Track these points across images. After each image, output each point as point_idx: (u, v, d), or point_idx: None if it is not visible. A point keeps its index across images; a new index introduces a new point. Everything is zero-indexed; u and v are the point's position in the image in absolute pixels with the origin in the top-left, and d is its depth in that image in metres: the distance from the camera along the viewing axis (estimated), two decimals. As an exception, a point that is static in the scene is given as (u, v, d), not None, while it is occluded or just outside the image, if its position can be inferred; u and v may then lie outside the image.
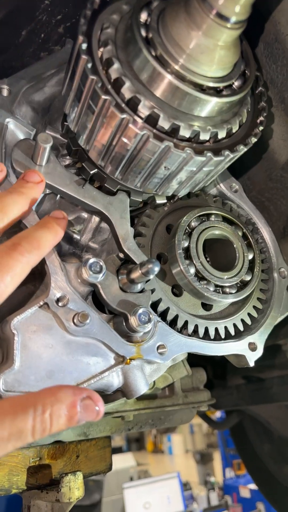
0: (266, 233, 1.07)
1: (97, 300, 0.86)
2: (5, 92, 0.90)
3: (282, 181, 1.14)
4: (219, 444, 8.89)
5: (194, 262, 0.88)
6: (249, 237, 0.99)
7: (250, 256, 0.97)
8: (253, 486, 6.61)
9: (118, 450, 9.91)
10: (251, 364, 0.94)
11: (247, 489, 6.83)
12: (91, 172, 0.85)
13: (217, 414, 5.60)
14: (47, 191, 0.88)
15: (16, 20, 1.10)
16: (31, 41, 1.17)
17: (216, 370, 2.20)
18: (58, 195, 0.91)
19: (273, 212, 1.21)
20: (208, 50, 0.66)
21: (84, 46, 0.69)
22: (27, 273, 0.66)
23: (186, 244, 0.90)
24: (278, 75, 0.99)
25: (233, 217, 0.98)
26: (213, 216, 0.96)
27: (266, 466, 2.51)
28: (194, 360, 1.54)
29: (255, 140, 0.81)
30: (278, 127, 1.06)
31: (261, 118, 0.84)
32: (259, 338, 0.95)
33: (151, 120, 0.70)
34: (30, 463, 1.11)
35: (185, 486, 7.26)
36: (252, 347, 0.94)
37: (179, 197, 0.94)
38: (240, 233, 0.97)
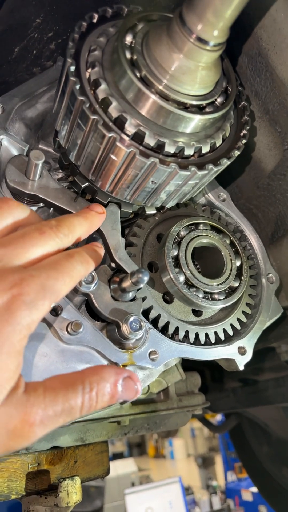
0: (254, 240, 1.11)
1: (91, 308, 0.89)
2: (-2, 110, 0.93)
3: (269, 189, 1.17)
4: (221, 447, 8.88)
5: (184, 270, 0.92)
6: (237, 244, 1.02)
7: (238, 263, 1.00)
8: (255, 489, 6.60)
9: (119, 456, 9.88)
10: (241, 367, 0.97)
11: (249, 492, 6.82)
12: (83, 185, 0.88)
13: (218, 418, 5.61)
14: (41, 204, 0.92)
15: (8, 38, 1.13)
16: (24, 58, 1.21)
17: (213, 373, 2.23)
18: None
19: (261, 219, 1.25)
20: (190, 71, 0.70)
21: (72, 68, 0.73)
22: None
23: (175, 253, 0.93)
24: (262, 87, 1.03)
25: (221, 226, 1.02)
26: (201, 225, 0.99)
27: (265, 468, 2.53)
28: (191, 364, 1.57)
29: (238, 153, 0.85)
30: (263, 137, 1.10)
31: (244, 132, 0.88)
32: (248, 342, 0.98)
33: (137, 138, 0.74)
34: (28, 469, 1.13)
35: (187, 490, 7.25)
36: (242, 351, 0.97)
37: (168, 207, 0.98)
38: (228, 241, 1.01)
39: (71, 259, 0.69)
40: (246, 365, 0.99)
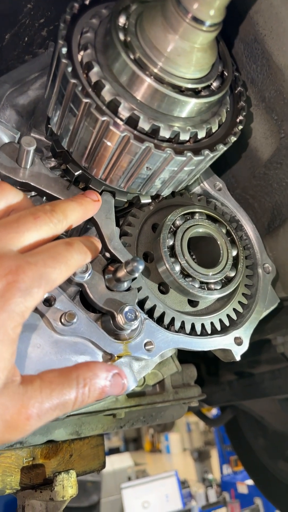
0: (250, 230, 1.09)
1: (85, 299, 0.87)
2: (-12, 97, 0.91)
3: (266, 178, 1.16)
4: (216, 441, 8.94)
5: (179, 260, 0.90)
6: (233, 234, 1.01)
7: (234, 253, 0.99)
8: (250, 482, 6.66)
9: (115, 451, 9.92)
10: (237, 358, 0.96)
11: (245, 485, 6.88)
12: (76, 173, 0.86)
13: (213, 412, 5.64)
14: (33, 193, 0.90)
15: (-1, 24, 1.11)
16: (15, 45, 1.18)
17: (209, 366, 2.23)
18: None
19: (257, 209, 1.24)
20: (185, 53, 0.68)
21: (64, 50, 0.71)
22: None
23: (171, 243, 0.92)
24: (258, 74, 1.01)
25: (217, 215, 1.00)
26: (197, 214, 0.97)
27: (261, 461, 2.54)
28: (186, 358, 1.56)
29: (235, 139, 0.83)
30: (259, 126, 1.08)
31: (240, 118, 0.86)
32: (245, 332, 0.97)
33: (131, 122, 0.72)
34: (23, 463, 1.12)
35: (183, 484, 7.30)
36: (238, 341, 0.96)
37: (164, 196, 0.96)
38: (224, 231, 0.99)
39: (70, 248, 0.68)
40: (242, 357, 0.98)
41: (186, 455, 10.76)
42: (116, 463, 7.18)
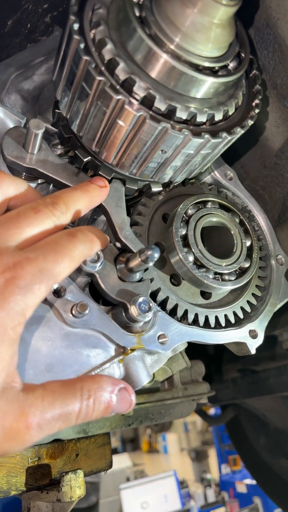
0: (262, 220, 1.06)
1: (94, 291, 0.84)
2: (-7, 80, 0.87)
3: (276, 168, 1.13)
4: (214, 440, 8.92)
5: (193, 249, 0.87)
6: (246, 223, 0.97)
7: (248, 243, 0.96)
8: (249, 481, 6.64)
9: (113, 451, 9.85)
10: (253, 351, 0.92)
11: (243, 484, 6.86)
12: (85, 160, 0.82)
13: (211, 411, 5.61)
14: (39, 180, 0.86)
15: (1, 10, 1.07)
16: (17, 32, 1.14)
17: (210, 364, 2.19)
18: (51, 185, 0.88)
19: (267, 200, 1.21)
20: (204, 28, 0.65)
21: (76, 26, 0.67)
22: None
23: (183, 232, 0.88)
24: (269, 61, 0.98)
25: (230, 204, 0.97)
26: (209, 203, 0.94)
27: (263, 459, 2.51)
28: (189, 356, 1.53)
29: (252, 122, 0.80)
30: (270, 114, 1.05)
31: (257, 101, 0.83)
32: (260, 325, 0.94)
33: (146, 102, 0.68)
34: (28, 464, 1.08)
35: (181, 484, 7.27)
36: (253, 334, 0.93)
37: (175, 184, 0.92)
38: (237, 220, 0.96)
39: (73, 239, 0.64)
40: (246, 355, 0.95)
41: (183, 455, 10.73)
42: (114, 463, 7.12)
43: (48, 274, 0.58)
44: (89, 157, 0.83)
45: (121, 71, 0.67)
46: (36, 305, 0.58)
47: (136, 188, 0.89)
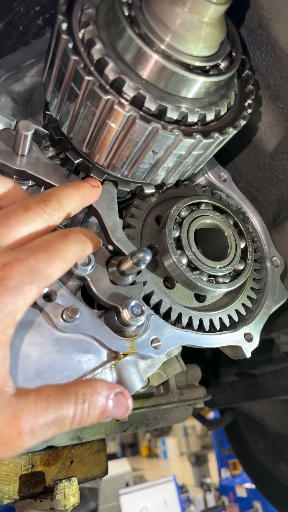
0: (256, 222, 1.05)
1: (86, 296, 0.82)
2: (-18, 81, 0.86)
3: (271, 169, 1.12)
4: (214, 445, 8.87)
5: (186, 252, 0.86)
6: (240, 225, 0.96)
7: (242, 245, 0.94)
8: (249, 485, 6.60)
9: (112, 456, 9.80)
10: (248, 355, 0.91)
11: (244, 488, 6.82)
12: (76, 161, 0.81)
13: (210, 415, 5.58)
14: (30, 183, 0.85)
15: (-8, 12, 1.06)
16: (9, 34, 1.13)
17: (207, 368, 2.18)
18: (42, 188, 0.87)
19: (262, 202, 1.20)
20: (194, 27, 0.64)
21: (64, 26, 0.66)
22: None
23: (177, 234, 0.87)
24: (262, 61, 0.97)
25: (224, 206, 0.96)
26: (203, 205, 0.93)
27: (262, 463, 2.49)
28: (185, 360, 1.51)
29: (244, 122, 0.79)
30: (264, 115, 1.05)
31: (249, 101, 0.82)
32: (255, 328, 0.93)
33: (136, 102, 0.67)
34: (22, 471, 1.06)
35: (181, 489, 7.21)
36: (248, 337, 0.91)
37: (168, 186, 0.91)
38: (231, 222, 0.95)
39: (65, 239, 0.63)
40: (243, 358, 0.93)
41: (183, 459, 10.67)
42: (113, 469, 7.08)
43: (39, 275, 0.56)
44: (80, 159, 0.81)
45: (111, 71, 0.66)
46: (27, 307, 0.56)
47: (129, 190, 0.87)
